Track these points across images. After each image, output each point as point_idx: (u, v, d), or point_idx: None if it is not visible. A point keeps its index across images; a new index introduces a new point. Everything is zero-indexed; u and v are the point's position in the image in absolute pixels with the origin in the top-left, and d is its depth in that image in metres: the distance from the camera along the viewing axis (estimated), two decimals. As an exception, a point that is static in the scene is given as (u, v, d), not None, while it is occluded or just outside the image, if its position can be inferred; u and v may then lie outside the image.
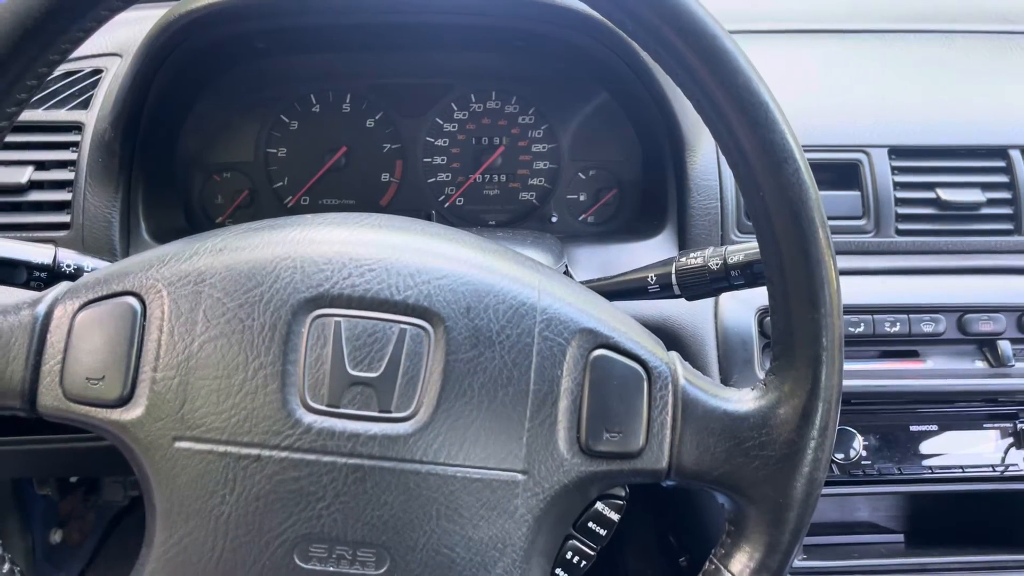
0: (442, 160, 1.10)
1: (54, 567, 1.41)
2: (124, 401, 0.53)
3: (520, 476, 0.53)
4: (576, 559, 0.59)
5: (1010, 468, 0.95)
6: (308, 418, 0.52)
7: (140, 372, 0.53)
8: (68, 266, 0.71)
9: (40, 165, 0.94)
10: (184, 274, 0.54)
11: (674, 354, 0.58)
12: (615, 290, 0.76)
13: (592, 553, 0.59)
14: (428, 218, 1.08)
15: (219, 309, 0.53)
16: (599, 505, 0.59)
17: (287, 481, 0.51)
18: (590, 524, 0.59)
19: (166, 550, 0.52)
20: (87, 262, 0.72)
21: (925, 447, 0.96)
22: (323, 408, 0.52)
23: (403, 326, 0.53)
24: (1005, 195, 0.98)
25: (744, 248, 0.68)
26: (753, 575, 0.54)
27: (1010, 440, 0.96)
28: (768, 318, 0.91)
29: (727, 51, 0.51)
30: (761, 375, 0.90)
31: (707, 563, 0.57)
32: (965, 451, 0.96)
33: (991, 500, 0.99)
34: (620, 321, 0.57)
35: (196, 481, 0.52)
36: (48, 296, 0.55)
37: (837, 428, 0.55)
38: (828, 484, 0.55)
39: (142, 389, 0.53)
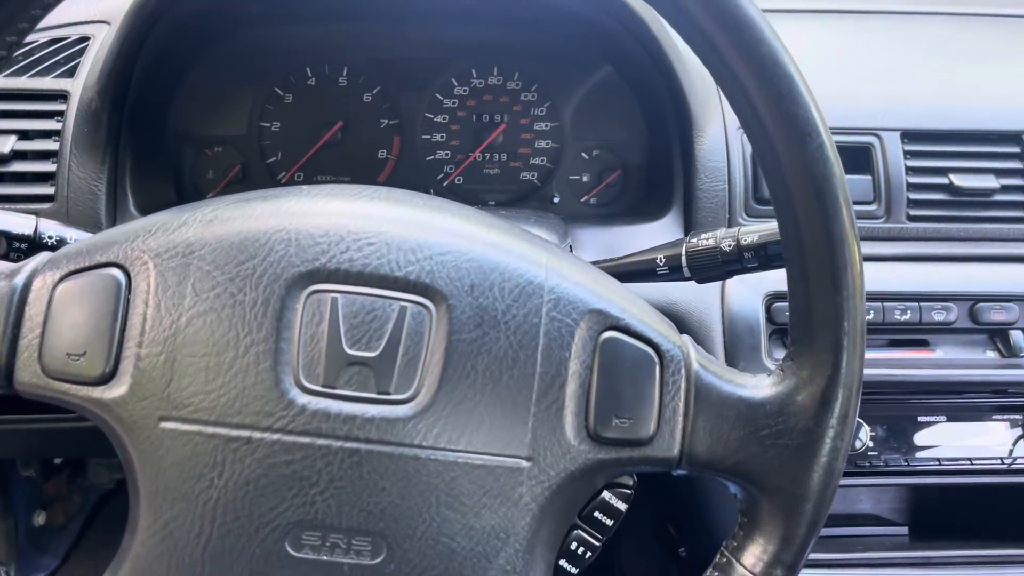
0: (441, 137, 1.07)
1: (38, 550, 1.39)
2: (107, 378, 0.50)
3: (525, 463, 0.51)
4: (581, 550, 0.56)
5: (1017, 461, 0.94)
6: (302, 399, 0.49)
7: (124, 348, 0.50)
8: (50, 237, 0.68)
9: (23, 135, 0.91)
10: (172, 245, 0.51)
11: (687, 337, 0.55)
12: (622, 271, 0.74)
13: (598, 544, 0.57)
14: (427, 196, 1.05)
15: (209, 283, 0.51)
16: (606, 494, 0.57)
17: (279, 465, 0.49)
18: (596, 514, 0.56)
19: (150, 535, 0.50)
20: (70, 233, 0.69)
21: (932, 438, 0.94)
22: (318, 389, 0.50)
23: (403, 304, 0.51)
24: (1019, 181, 0.96)
25: (759, 229, 0.66)
26: (767, 569, 0.52)
27: (1019, 432, 0.94)
28: (776, 304, 0.89)
29: (751, 19, 0.49)
30: (768, 363, 0.88)
31: (718, 555, 0.55)
32: (973, 443, 0.94)
33: (997, 493, 0.98)
34: (631, 303, 0.55)
35: (183, 464, 0.49)
36: (27, 267, 0.52)
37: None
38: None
39: (126, 366, 0.50)
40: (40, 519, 1.37)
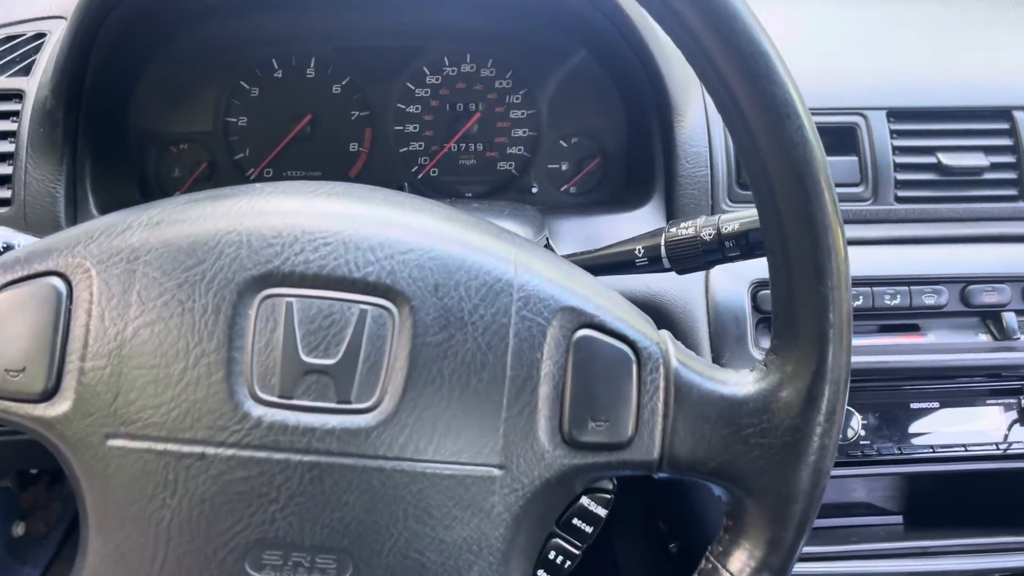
0: (414, 128, 1.04)
1: (19, 561, 1.36)
2: (49, 395, 0.48)
3: (497, 471, 0.48)
4: (560, 559, 0.54)
5: (1013, 446, 0.92)
6: (258, 411, 0.47)
7: (66, 362, 0.48)
8: (-3, 244, 0.65)
9: (-23, 137, 0.88)
10: (115, 251, 0.49)
11: (665, 333, 0.53)
12: (600, 264, 0.71)
13: (577, 552, 0.54)
14: (400, 190, 1.02)
15: (155, 290, 0.48)
16: (584, 500, 0.54)
17: (236, 481, 0.47)
18: (575, 521, 0.54)
19: (101, 559, 0.47)
20: (19, 239, 0.66)
21: (926, 425, 0.92)
22: (274, 400, 0.47)
23: (363, 307, 0.48)
24: (1009, 159, 0.94)
25: (739, 216, 0.63)
26: (754, 575, 0.50)
27: (1013, 416, 0.93)
28: (762, 292, 0.87)
29: None
30: (755, 352, 0.86)
31: (703, 561, 0.53)
32: (967, 429, 0.92)
33: (993, 479, 0.96)
34: (606, 298, 0.52)
35: (132, 483, 0.47)
36: None
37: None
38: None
39: (69, 381, 0.48)
40: (19, 529, 1.34)
